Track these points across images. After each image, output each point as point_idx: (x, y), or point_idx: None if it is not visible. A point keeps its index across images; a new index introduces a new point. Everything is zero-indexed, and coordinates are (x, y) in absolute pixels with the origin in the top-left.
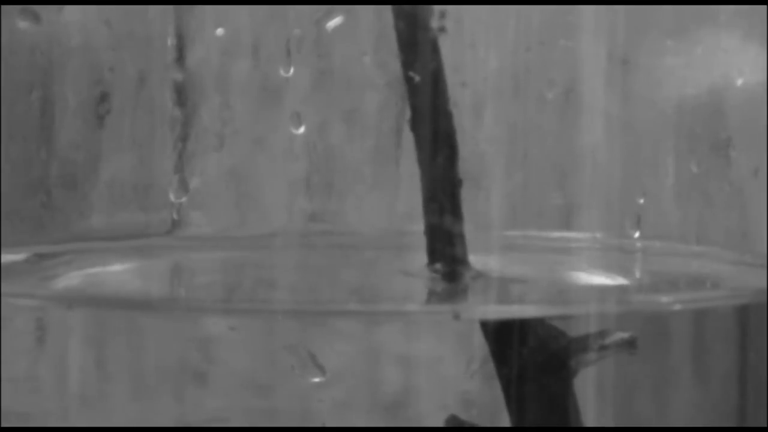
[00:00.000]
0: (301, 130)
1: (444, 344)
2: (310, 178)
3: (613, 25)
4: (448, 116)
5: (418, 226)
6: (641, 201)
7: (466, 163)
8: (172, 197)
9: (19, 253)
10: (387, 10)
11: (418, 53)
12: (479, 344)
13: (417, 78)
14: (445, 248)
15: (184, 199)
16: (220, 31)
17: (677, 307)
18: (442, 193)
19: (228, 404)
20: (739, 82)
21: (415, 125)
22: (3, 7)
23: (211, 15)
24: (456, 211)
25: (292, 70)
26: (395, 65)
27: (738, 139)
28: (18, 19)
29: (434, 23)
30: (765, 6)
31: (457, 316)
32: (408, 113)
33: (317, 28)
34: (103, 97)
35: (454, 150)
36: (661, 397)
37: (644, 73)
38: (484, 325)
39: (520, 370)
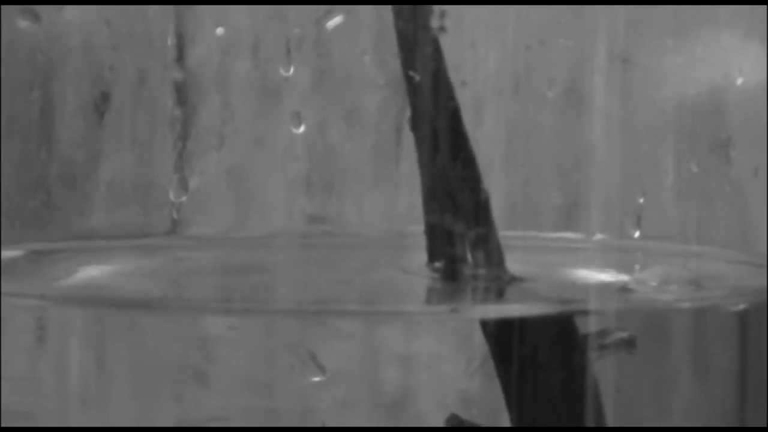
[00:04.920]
0: (301, 129)
1: (444, 343)
2: (310, 177)
3: (614, 25)
4: (457, 117)
5: (418, 226)
6: (641, 201)
7: None
8: (172, 196)
9: (19, 251)
10: (387, 9)
11: (417, 52)
12: (479, 343)
13: (417, 77)
14: (446, 247)
15: (184, 199)
16: (220, 31)
17: (677, 306)
18: (442, 192)
19: (228, 404)
20: (739, 81)
21: (414, 125)
22: (3, 7)
23: (211, 14)
24: (488, 223)
25: (292, 70)
26: (395, 64)
27: (738, 138)
28: (18, 18)
29: (434, 23)
30: (765, 6)
31: (455, 311)
32: (408, 113)
33: (317, 28)
34: (103, 97)
35: (472, 153)
36: (660, 397)
37: (644, 72)
38: (484, 324)
39: (519, 368)
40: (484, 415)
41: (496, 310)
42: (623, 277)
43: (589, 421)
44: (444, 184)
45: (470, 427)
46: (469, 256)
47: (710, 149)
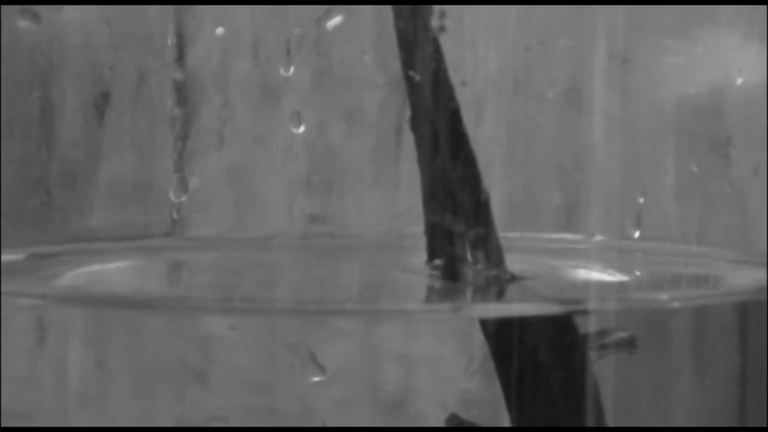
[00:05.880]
0: (301, 129)
1: (444, 343)
2: (310, 177)
3: (614, 25)
4: (457, 117)
5: (418, 226)
6: (641, 201)
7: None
8: (171, 196)
9: (19, 252)
10: (387, 9)
11: (417, 52)
12: (479, 343)
13: (417, 77)
14: (446, 247)
15: (183, 199)
16: (220, 31)
17: (677, 305)
18: (442, 192)
19: (228, 403)
20: (739, 81)
21: (414, 125)
22: (3, 7)
23: (210, 14)
24: (488, 223)
25: (292, 70)
26: (395, 64)
27: (738, 138)
28: (18, 18)
29: (434, 23)
30: (765, 6)
31: (456, 309)
32: (408, 113)
33: (317, 28)
34: (104, 97)
35: (472, 153)
36: (660, 396)
37: (644, 72)
38: (484, 324)
39: (519, 368)
40: (484, 415)
41: (496, 310)
42: (623, 278)
43: (589, 421)
44: (444, 184)
45: (470, 427)
46: (469, 256)
47: (710, 149)
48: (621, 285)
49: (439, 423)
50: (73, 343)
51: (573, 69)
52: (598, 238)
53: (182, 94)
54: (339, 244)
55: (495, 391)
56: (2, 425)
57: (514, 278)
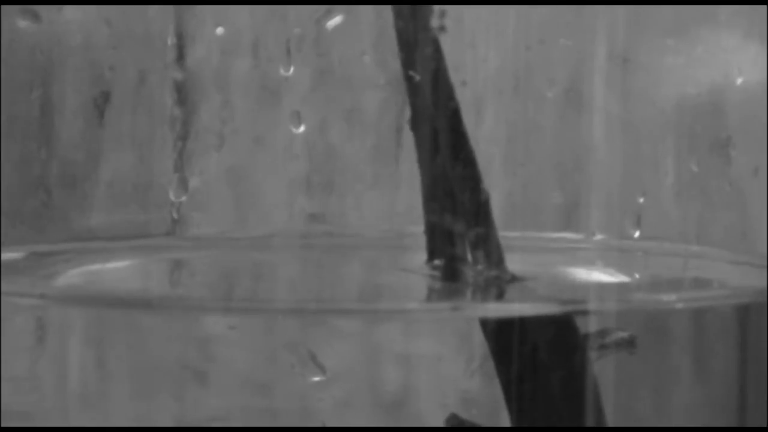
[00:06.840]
0: (301, 129)
1: (444, 343)
2: (310, 177)
3: (614, 24)
4: (457, 117)
5: (418, 226)
6: (641, 201)
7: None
8: (171, 196)
9: (19, 251)
10: (387, 9)
11: (418, 52)
12: (479, 343)
13: (417, 77)
14: (445, 247)
15: (183, 199)
16: (220, 30)
17: (677, 306)
18: (442, 192)
19: (228, 403)
20: (739, 81)
21: (414, 125)
22: (3, 7)
23: (210, 14)
24: (488, 223)
25: (292, 69)
26: (395, 64)
27: (738, 138)
28: (18, 18)
29: (434, 23)
30: (765, 6)
31: (456, 309)
32: (408, 113)
33: (317, 27)
34: (104, 96)
35: (472, 153)
36: (660, 397)
37: (644, 72)
38: (484, 324)
39: (519, 368)
40: (484, 415)
41: (496, 310)
42: (624, 277)
43: (589, 421)
44: (444, 184)
45: (470, 427)
46: (469, 256)
47: (710, 149)
48: (621, 285)
49: (439, 423)
50: (72, 342)
51: (573, 69)
52: (599, 237)
53: (182, 94)
54: (339, 243)
55: (495, 391)
56: (2, 425)
57: (514, 278)
